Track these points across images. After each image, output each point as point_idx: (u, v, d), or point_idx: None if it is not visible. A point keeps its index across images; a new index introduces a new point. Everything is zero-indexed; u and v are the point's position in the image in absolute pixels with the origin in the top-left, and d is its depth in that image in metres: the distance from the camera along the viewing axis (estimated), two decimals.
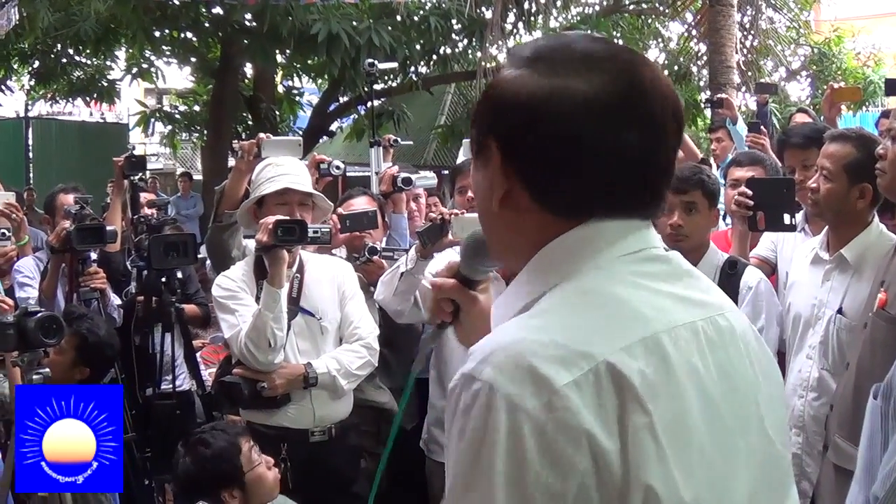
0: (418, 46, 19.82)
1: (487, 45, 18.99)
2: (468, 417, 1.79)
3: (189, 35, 21.20)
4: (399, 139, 9.69)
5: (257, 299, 5.87)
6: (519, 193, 1.99)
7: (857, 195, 5.34)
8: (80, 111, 31.73)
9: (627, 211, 2.00)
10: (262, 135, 6.76)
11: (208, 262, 7.78)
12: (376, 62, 10.19)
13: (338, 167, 7.42)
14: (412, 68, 20.79)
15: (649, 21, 24.26)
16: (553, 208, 1.99)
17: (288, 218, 5.83)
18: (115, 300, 7.36)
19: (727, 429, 1.90)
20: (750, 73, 19.91)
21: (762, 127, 10.12)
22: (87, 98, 24.79)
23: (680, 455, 1.80)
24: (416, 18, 19.20)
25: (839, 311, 5.33)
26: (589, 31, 20.91)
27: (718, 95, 12.76)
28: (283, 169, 6.17)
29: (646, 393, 1.79)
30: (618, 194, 1.98)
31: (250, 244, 6.25)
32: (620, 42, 22.81)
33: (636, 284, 1.95)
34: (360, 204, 7.12)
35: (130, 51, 22.43)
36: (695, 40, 21.64)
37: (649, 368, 1.81)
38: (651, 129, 1.97)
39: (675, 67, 23.38)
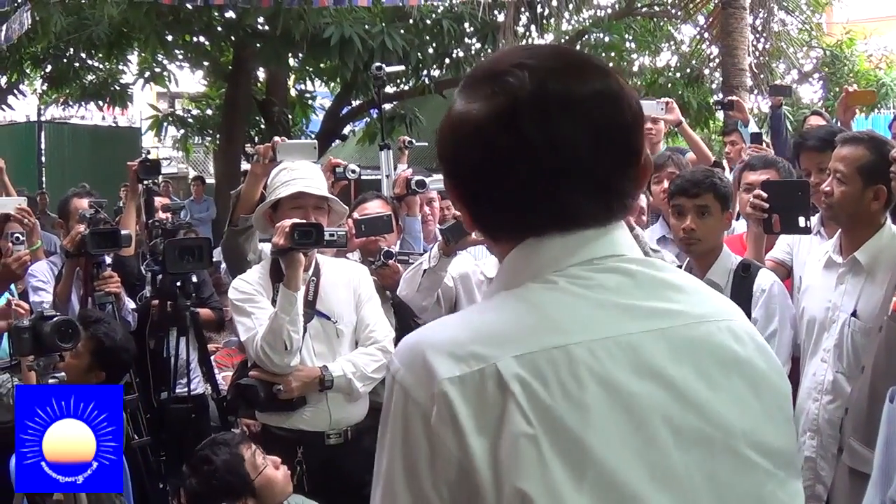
0: (431, 50, 19.84)
1: (500, 47, 18.99)
2: (384, 403, 1.94)
3: (202, 39, 21.23)
4: (414, 141, 9.70)
5: (273, 302, 5.88)
6: (468, 220, 2.08)
7: (871, 197, 5.34)
8: (92, 115, 31.80)
9: (570, 224, 1.99)
10: (277, 138, 6.77)
11: (223, 265, 7.79)
12: (384, 66, 10.19)
13: (353, 171, 7.42)
14: (425, 72, 20.79)
15: (661, 24, 24.23)
16: (490, 233, 2.08)
17: (304, 221, 5.84)
18: (130, 304, 7.37)
19: (656, 443, 1.86)
20: (762, 76, 19.91)
21: (768, 132, 10.12)
22: (100, 102, 24.81)
23: (570, 466, 1.79)
24: (428, 22, 19.20)
25: (853, 314, 5.33)
26: (601, 34, 20.95)
27: (729, 98, 12.74)
28: (297, 173, 6.18)
29: (530, 402, 1.79)
30: (546, 211, 1.98)
31: (266, 248, 6.25)
32: (632, 45, 22.93)
33: (574, 295, 1.95)
34: (374, 207, 7.13)
35: (143, 55, 22.47)
36: (707, 43, 21.64)
37: (545, 378, 1.82)
38: (553, 142, 1.93)
39: (688, 70, 23.38)
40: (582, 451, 1.80)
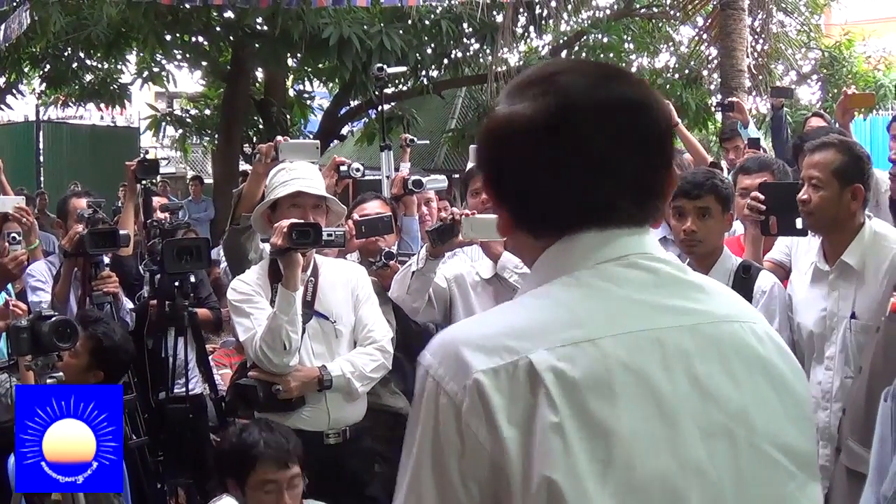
0: (429, 50, 19.83)
1: (499, 48, 19.00)
2: (416, 393, 1.98)
3: (200, 39, 21.21)
4: (416, 139, 9.72)
5: (272, 303, 5.89)
6: (507, 221, 2.11)
7: (849, 197, 5.41)
8: (90, 115, 31.81)
9: (607, 222, 2.05)
10: (279, 138, 6.78)
11: (222, 265, 7.79)
12: (385, 67, 10.19)
13: (357, 169, 7.43)
14: (423, 72, 20.79)
15: (660, 25, 24.23)
16: (532, 231, 2.09)
17: (302, 221, 5.84)
18: (128, 304, 7.37)
19: (682, 438, 1.90)
20: (761, 77, 19.91)
21: (768, 133, 10.12)
22: (98, 102, 24.80)
23: (598, 455, 1.83)
24: (427, 22, 19.18)
25: (852, 315, 5.35)
26: (600, 35, 20.96)
27: (729, 99, 12.76)
28: (296, 173, 6.19)
29: (561, 393, 1.84)
30: (589, 208, 2.04)
31: (267, 247, 6.26)
32: (631, 46, 22.94)
33: (602, 291, 2.00)
34: (373, 208, 7.14)
35: (141, 55, 22.41)
36: (706, 44, 21.66)
37: (575, 371, 1.86)
38: (580, 140, 2.01)
39: (686, 71, 23.39)
40: (610, 441, 1.85)
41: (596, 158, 2.00)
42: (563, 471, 1.80)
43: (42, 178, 26.55)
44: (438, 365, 1.93)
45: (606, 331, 1.92)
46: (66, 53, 22.22)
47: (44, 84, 24.56)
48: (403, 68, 18.22)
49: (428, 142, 11.70)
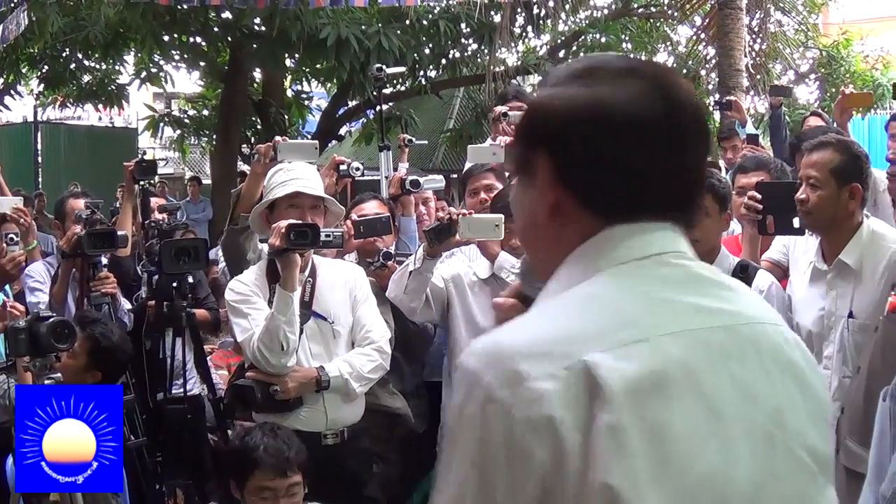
0: (427, 50, 19.83)
1: (497, 48, 19.00)
2: (456, 404, 1.87)
3: (198, 39, 21.19)
4: (414, 139, 9.73)
5: (270, 303, 5.89)
6: (566, 202, 2.04)
7: (847, 196, 5.45)
8: (89, 116, 31.79)
9: (657, 215, 2.06)
10: (278, 138, 6.79)
11: (220, 265, 7.79)
12: (384, 67, 10.20)
13: (357, 168, 7.44)
14: (421, 72, 20.79)
15: (658, 24, 24.24)
16: (606, 213, 2.04)
17: (300, 222, 5.85)
18: (126, 305, 7.37)
19: (728, 438, 1.90)
20: (759, 77, 19.90)
21: (765, 132, 10.12)
22: (96, 103, 24.79)
23: (653, 459, 1.82)
24: (425, 22, 19.17)
25: (850, 315, 5.36)
26: (598, 35, 20.94)
27: (727, 98, 12.73)
28: (293, 173, 6.19)
29: (618, 396, 1.80)
30: (651, 197, 2.05)
31: (266, 247, 6.26)
32: (629, 45, 22.92)
33: (643, 289, 1.99)
34: (371, 208, 7.15)
35: (139, 55, 22.40)
36: (703, 44, 21.61)
37: (629, 372, 1.83)
38: (684, 136, 2.04)
39: (684, 71, 23.37)
40: (667, 442, 1.84)
41: (669, 149, 2.02)
42: (622, 474, 1.78)
43: (40, 179, 26.51)
44: (486, 372, 1.83)
45: (658, 330, 1.91)
46: (63, 54, 22.22)
47: (42, 85, 24.55)
48: (402, 69, 18.22)
49: (426, 142, 11.68)
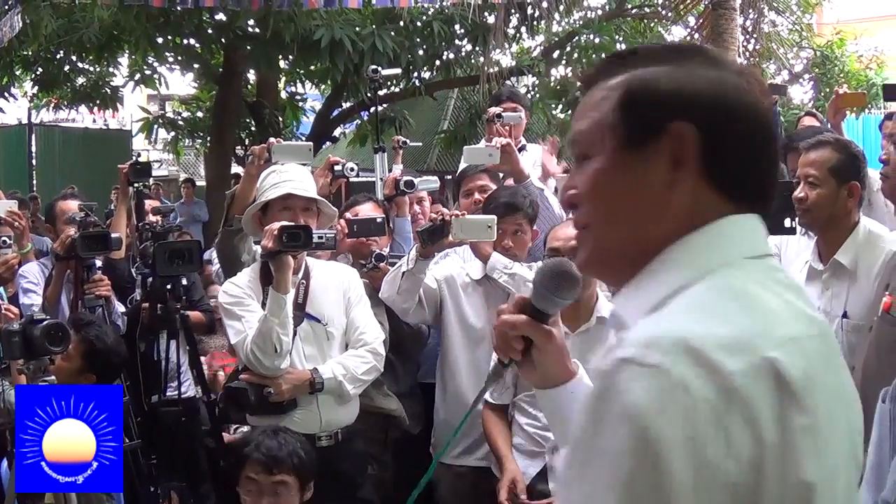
0: (421, 52, 19.81)
1: (491, 49, 18.99)
2: (628, 401, 1.74)
3: (192, 41, 21.17)
4: (408, 141, 9.74)
5: (263, 305, 5.90)
6: (697, 181, 2.03)
7: (846, 195, 5.49)
8: (83, 118, 31.74)
9: (756, 206, 2.08)
10: (272, 140, 6.80)
11: (215, 265, 7.79)
12: (379, 68, 10.20)
13: (352, 168, 7.46)
14: (415, 73, 20.77)
15: (652, 25, 24.22)
16: (732, 195, 2.05)
17: (293, 223, 5.85)
18: (120, 308, 7.37)
19: (837, 437, 1.93)
20: None
21: None
22: (91, 105, 24.76)
23: (829, 451, 1.85)
24: (419, 24, 19.17)
25: (844, 315, 5.37)
26: (592, 36, 20.93)
27: None
28: (286, 175, 6.20)
29: (802, 392, 1.81)
30: (763, 188, 2.09)
31: (260, 249, 6.27)
32: (623, 46, 22.90)
33: (775, 290, 1.98)
34: (367, 210, 7.16)
35: (133, 57, 22.38)
36: (697, 44, 21.60)
37: (800, 370, 1.83)
38: (771, 129, 2.10)
39: None
40: (830, 436, 1.87)
41: (775, 148, 2.12)
42: (816, 471, 1.81)
43: (35, 182, 26.49)
44: (681, 366, 1.74)
45: (799, 331, 1.92)
46: (58, 56, 22.18)
47: (36, 87, 24.51)
48: (397, 70, 18.17)
49: (420, 144, 11.65)
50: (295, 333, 6.00)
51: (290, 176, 6.21)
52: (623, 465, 1.73)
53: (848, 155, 5.54)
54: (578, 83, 2.32)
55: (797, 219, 5.83)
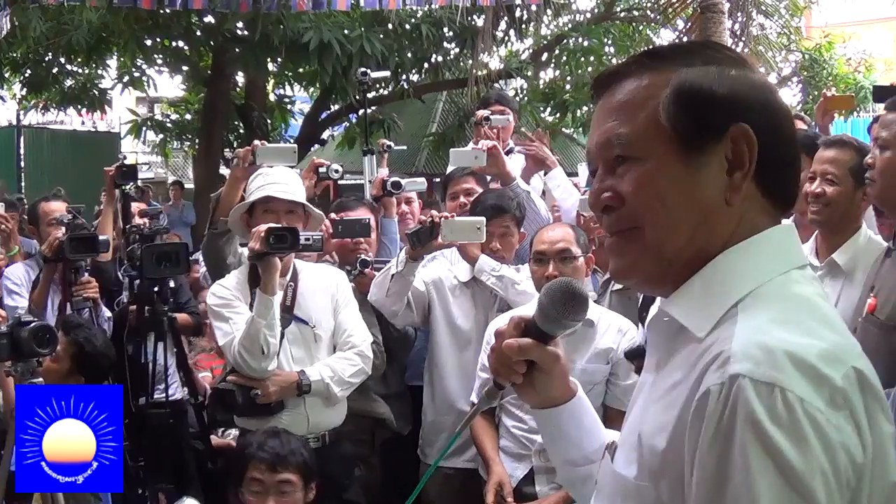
0: (410, 54, 19.79)
1: (479, 52, 18.98)
2: (755, 420, 1.75)
3: (180, 44, 21.13)
4: (392, 144, 9.74)
5: (251, 307, 5.90)
6: (749, 186, 2.03)
7: (861, 196, 5.50)
8: (71, 120, 31.70)
9: (787, 212, 2.13)
10: (257, 142, 6.80)
11: (201, 269, 7.79)
12: (369, 71, 10.20)
13: (336, 170, 7.46)
14: (403, 76, 20.76)
15: (640, 28, 24.23)
16: (775, 201, 2.08)
17: (280, 225, 5.87)
18: (107, 313, 7.38)
19: None
20: None
21: None
22: (79, 107, 24.73)
23: None
24: (407, 26, 19.15)
25: None
26: (580, 39, 20.92)
27: None
28: (271, 178, 6.23)
29: (883, 399, 1.86)
30: (794, 192, 2.11)
31: (246, 251, 6.29)
32: (612, 49, 22.91)
33: (825, 300, 2.01)
34: (359, 214, 7.15)
35: (122, 59, 22.34)
36: None
37: (875, 380, 1.87)
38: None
39: None
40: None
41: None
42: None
43: (23, 184, 26.46)
44: (795, 381, 1.76)
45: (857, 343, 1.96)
46: (46, 58, 22.13)
47: (25, 89, 24.48)
48: (387, 73, 18.15)
49: (405, 147, 11.62)
50: (283, 336, 6.01)
51: (274, 178, 6.23)
52: (763, 485, 1.74)
53: (862, 158, 5.57)
54: (592, 82, 2.25)
55: (811, 213, 5.82)
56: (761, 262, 2.00)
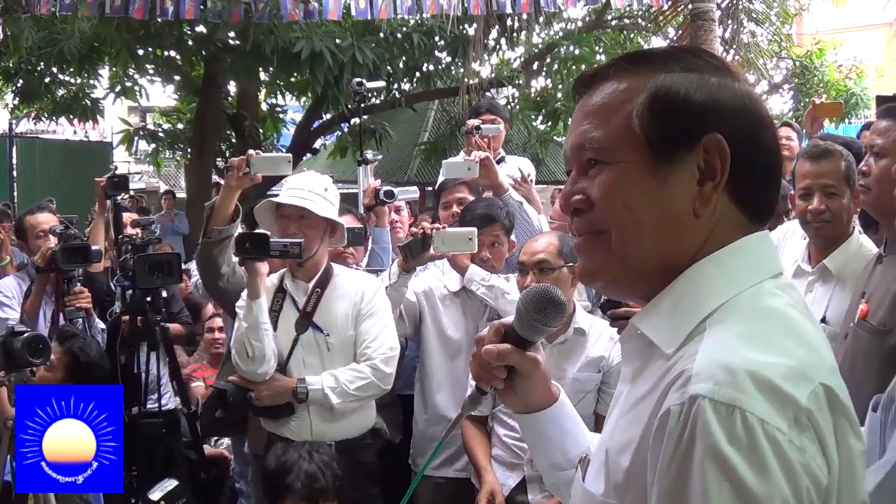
0: (401, 63, 19.80)
1: (470, 61, 19.00)
2: (712, 443, 1.73)
3: (172, 53, 21.13)
4: (373, 153, 9.73)
5: (271, 308, 5.98)
6: (721, 195, 2.03)
7: (853, 201, 5.49)
8: (63, 130, 31.67)
9: (765, 222, 2.10)
10: (251, 151, 6.79)
11: (194, 277, 7.79)
12: (364, 81, 10.22)
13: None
14: (395, 85, 20.77)
15: (632, 36, 24.26)
16: (751, 214, 2.07)
17: (251, 231, 5.95)
18: (100, 324, 7.39)
19: None
20: None
21: None
22: (71, 116, 24.71)
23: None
24: (399, 36, 19.16)
25: (822, 320, 5.38)
26: (571, 47, 20.94)
27: None
28: (290, 183, 6.28)
29: (853, 417, 1.85)
30: (772, 203, 2.10)
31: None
32: (603, 57, 22.93)
33: (800, 312, 2.00)
34: (345, 223, 7.16)
35: (114, 69, 22.35)
36: None
37: (844, 397, 1.86)
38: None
39: None
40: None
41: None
42: (865, 493, 1.87)
43: (15, 193, 26.44)
44: (756, 401, 1.74)
45: (833, 357, 1.96)
46: (38, 68, 22.13)
47: (17, 99, 24.47)
48: (382, 83, 18.15)
49: (387, 155, 11.64)
50: (297, 342, 6.06)
51: (293, 184, 6.26)
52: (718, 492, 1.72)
53: (849, 162, 5.55)
54: (573, 85, 2.24)
55: (814, 231, 5.77)
56: (732, 274, 1.99)
